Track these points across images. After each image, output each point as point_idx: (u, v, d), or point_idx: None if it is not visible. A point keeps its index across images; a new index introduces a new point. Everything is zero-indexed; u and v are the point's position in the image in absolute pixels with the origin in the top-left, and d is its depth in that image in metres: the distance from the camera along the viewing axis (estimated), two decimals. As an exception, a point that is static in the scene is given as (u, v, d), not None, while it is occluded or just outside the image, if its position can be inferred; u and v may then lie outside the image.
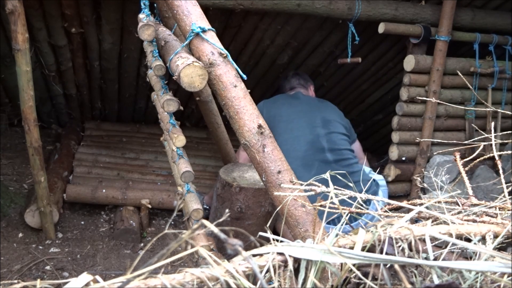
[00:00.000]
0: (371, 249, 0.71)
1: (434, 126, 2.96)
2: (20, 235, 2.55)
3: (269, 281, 0.67)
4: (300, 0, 2.52)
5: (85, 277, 0.62)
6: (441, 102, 2.15)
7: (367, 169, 2.59)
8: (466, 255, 0.96)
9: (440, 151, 2.52)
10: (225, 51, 1.35)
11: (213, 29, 1.40)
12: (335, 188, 0.91)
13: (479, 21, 2.91)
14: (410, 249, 0.72)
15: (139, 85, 3.36)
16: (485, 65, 2.96)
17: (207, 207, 2.66)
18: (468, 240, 0.76)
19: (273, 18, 2.78)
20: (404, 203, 0.91)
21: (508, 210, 0.89)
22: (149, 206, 2.84)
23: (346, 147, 2.52)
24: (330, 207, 0.90)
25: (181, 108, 1.82)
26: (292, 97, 2.70)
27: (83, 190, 2.82)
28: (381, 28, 2.73)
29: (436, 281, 0.70)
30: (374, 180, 2.53)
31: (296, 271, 0.68)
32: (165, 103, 1.74)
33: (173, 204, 2.89)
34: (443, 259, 0.76)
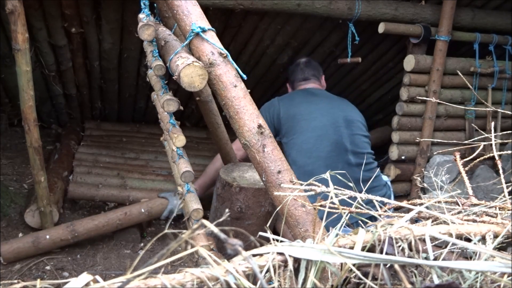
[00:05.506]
0: (371, 249, 0.71)
1: (434, 126, 2.96)
2: (20, 235, 2.55)
3: (269, 281, 0.67)
4: (300, 0, 2.52)
5: (85, 277, 0.62)
6: (441, 102, 2.15)
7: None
8: (466, 255, 0.96)
9: (440, 151, 2.52)
10: (225, 51, 1.35)
11: (213, 29, 1.40)
12: (335, 188, 0.91)
13: (479, 21, 2.91)
14: (410, 249, 0.72)
15: (139, 85, 3.36)
16: (485, 65, 2.96)
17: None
18: (468, 240, 0.76)
19: (273, 18, 2.78)
20: (404, 203, 0.91)
21: (508, 210, 0.89)
22: (149, 206, 2.84)
23: (368, 150, 2.45)
24: (330, 207, 0.90)
25: (181, 108, 1.82)
26: (309, 93, 2.57)
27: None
28: (381, 28, 2.73)
29: (436, 281, 0.70)
30: (386, 183, 2.52)
31: (296, 271, 0.68)
32: (165, 103, 1.74)
33: (173, 204, 2.89)
34: (443, 259, 0.76)
